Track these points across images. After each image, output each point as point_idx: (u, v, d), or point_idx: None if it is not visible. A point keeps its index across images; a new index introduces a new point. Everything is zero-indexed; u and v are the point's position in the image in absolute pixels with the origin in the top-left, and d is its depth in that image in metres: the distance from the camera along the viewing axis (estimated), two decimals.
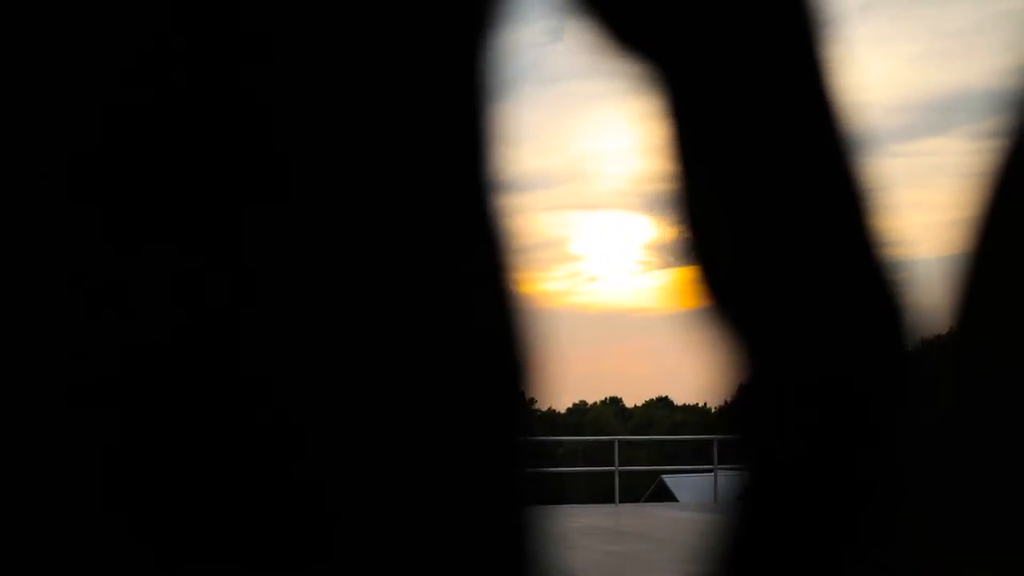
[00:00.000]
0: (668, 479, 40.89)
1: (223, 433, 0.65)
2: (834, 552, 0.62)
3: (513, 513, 0.73)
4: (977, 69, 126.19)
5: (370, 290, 0.62)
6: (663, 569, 8.06)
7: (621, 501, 14.95)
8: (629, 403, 69.68)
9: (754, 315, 0.61)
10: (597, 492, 27.99)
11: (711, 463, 16.40)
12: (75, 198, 0.61)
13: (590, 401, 63.05)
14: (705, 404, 60.18)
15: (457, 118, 0.60)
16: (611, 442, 15.63)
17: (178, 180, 0.61)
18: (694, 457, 25.83)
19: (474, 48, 0.60)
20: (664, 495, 39.01)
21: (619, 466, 15.09)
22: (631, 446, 39.21)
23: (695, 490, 34.67)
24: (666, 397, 67.59)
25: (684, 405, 62.19)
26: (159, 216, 0.60)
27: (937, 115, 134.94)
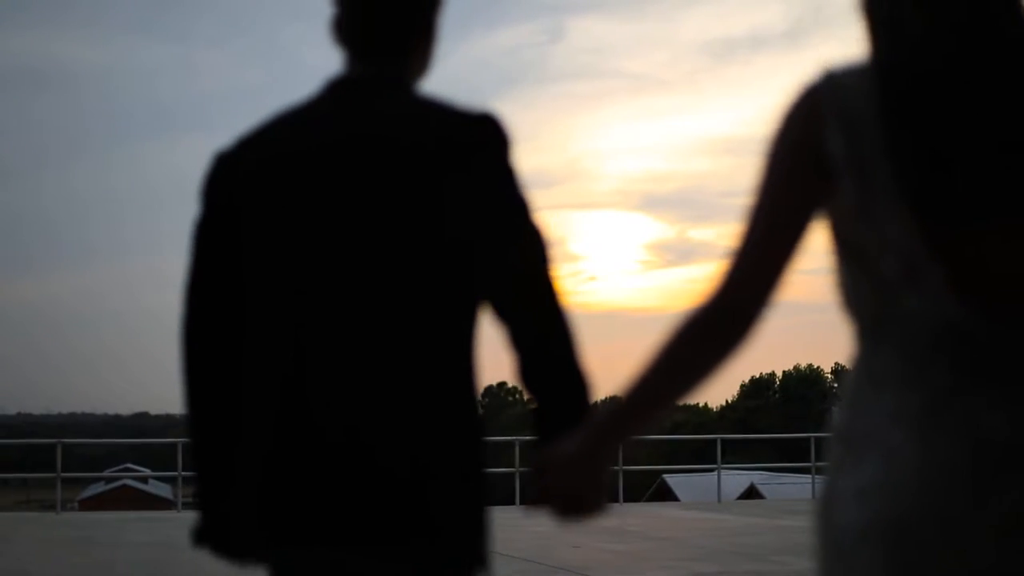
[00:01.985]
0: (669, 478, 40.82)
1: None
2: None
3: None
4: None
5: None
6: (667, 567, 8.05)
7: (623, 501, 14.94)
8: None
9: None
10: None
11: (713, 463, 16.39)
12: None
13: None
14: (706, 404, 60.12)
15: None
16: None
17: None
18: (695, 457, 25.76)
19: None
20: (665, 495, 38.93)
21: (621, 466, 15.06)
22: (632, 445, 39.02)
23: (696, 490, 34.57)
24: None
25: (684, 405, 62.09)
26: None
27: None
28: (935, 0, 1.25)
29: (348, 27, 1.70)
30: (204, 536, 1.73)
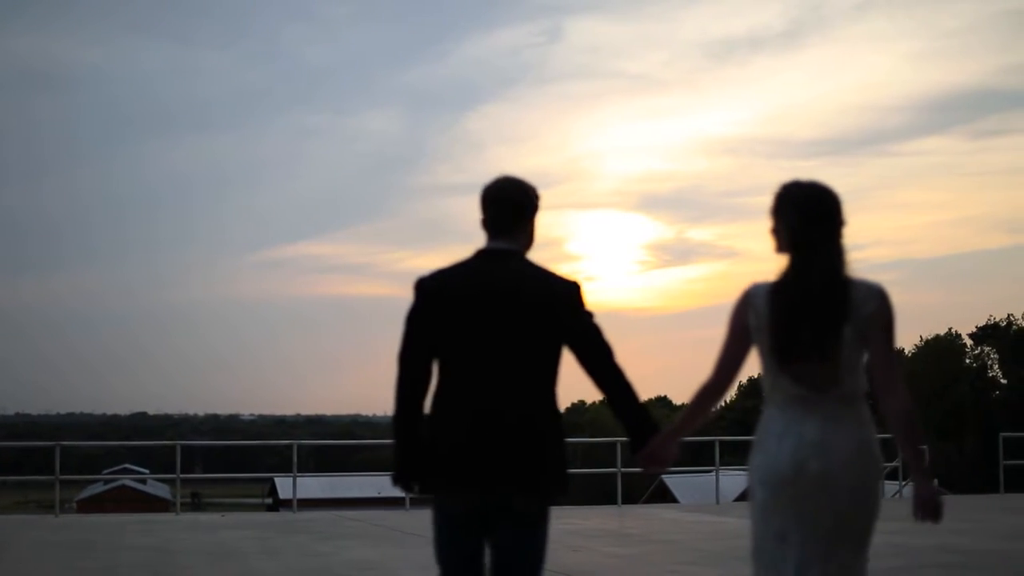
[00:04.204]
0: (668, 479, 40.79)
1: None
2: None
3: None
4: (975, 68, 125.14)
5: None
6: (669, 571, 8.02)
7: (621, 503, 14.91)
8: None
9: None
10: (594, 493, 27.84)
11: (711, 464, 16.38)
12: None
13: (588, 400, 62.93)
14: None
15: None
16: (613, 443, 15.56)
17: None
18: (693, 458, 25.70)
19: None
20: (664, 496, 38.89)
21: (620, 468, 15.03)
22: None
23: (694, 490, 34.53)
24: (664, 396, 67.48)
25: (683, 404, 61.92)
26: None
27: (935, 114, 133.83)
28: (797, 254, 2.96)
29: (489, 223, 3.31)
30: (399, 481, 3.33)
